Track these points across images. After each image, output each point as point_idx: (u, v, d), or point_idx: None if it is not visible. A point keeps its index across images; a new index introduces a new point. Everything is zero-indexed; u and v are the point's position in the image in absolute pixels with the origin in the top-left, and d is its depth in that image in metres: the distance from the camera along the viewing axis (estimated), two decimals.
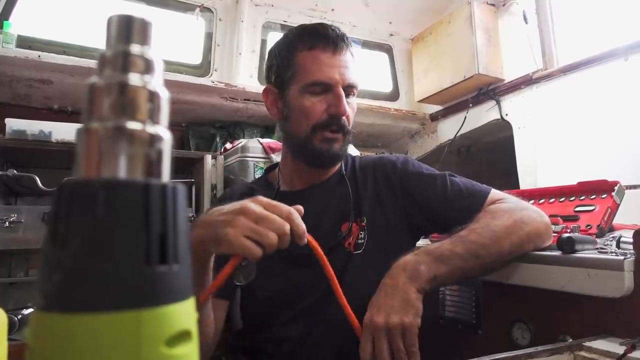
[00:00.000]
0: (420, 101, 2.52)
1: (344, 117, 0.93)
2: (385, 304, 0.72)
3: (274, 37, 2.41)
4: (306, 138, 0.93)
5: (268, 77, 1.02)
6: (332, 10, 2.48)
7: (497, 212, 0.84)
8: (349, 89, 0.94)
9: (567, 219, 1.09)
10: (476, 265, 0.79)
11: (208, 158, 1.82)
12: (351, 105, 0.96)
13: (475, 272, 0.81)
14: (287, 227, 0.63)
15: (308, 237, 0.66)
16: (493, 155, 2.65)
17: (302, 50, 0.93)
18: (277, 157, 1.74)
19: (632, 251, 0.74)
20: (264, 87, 1.02)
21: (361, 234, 0.93)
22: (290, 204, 0.98)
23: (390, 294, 0.73)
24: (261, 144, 1.80)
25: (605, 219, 1.03)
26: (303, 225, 0.65)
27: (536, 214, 0.86)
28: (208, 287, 0.67)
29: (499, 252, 0.80)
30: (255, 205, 0.64)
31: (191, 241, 0.69)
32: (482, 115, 2.32)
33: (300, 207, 0.67)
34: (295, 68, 0.93)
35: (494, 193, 0.92)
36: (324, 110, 0.92)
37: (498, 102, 2.24)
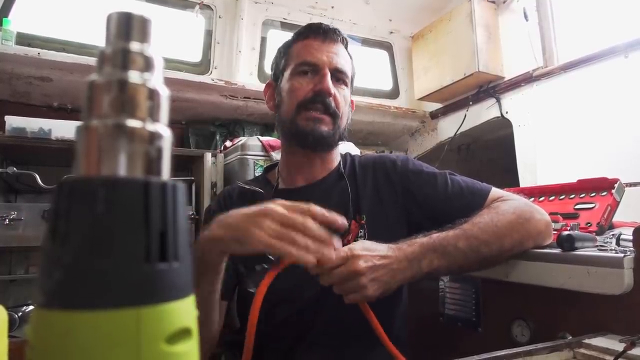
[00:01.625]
0: (420, 99, 2.52)
1: (330, 99, 0.94)
2: (379, 264, 0.72)
3: (274, 34, 2.41)
4: (292, 119, 0.96)
5: (271, 76, 1.08)
6: (332, 7, 2.47)
7: (500, 209, 0.85)
8: (339, 76, 0.98)
9: (567, 216, 1.09)
10: (476, 260, 0.79)
11: (208, 156, 1.82)
12: (342, 94, 0.98)
13: (473, 266, 0.82)
14: (317, 226, 0.64)
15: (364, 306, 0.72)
16: (493, 153, 2.65)
17: (296, 42, 1.00)
18: (277, 155, 1.73)
19: (631, 249, 0.74)
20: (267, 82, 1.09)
21: (360, 232, 0.93)
22: (290, 201, 0.99)
23: (385, 264, 0.73)
24: (261, 142, 1.80)
25: (605, 216, 1.03)
26: (335, 216, 0.66)
27: (537, 212, 0.87)
28: (259, 288, 0.67)
29: (499, 248, 0.80)
30: (279, 207, 0.65)
31: (206, 240, 0.69)
32: (482, 113, 2.32)
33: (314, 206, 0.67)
34: (288, 56, 1.00)
35: (495, 191, 0.92)
36: (309, 90, 0.95)
37: (498, 100, 2.23)
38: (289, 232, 0.62)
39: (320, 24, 1.00)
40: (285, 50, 1.02)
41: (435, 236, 0.79)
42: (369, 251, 0.73)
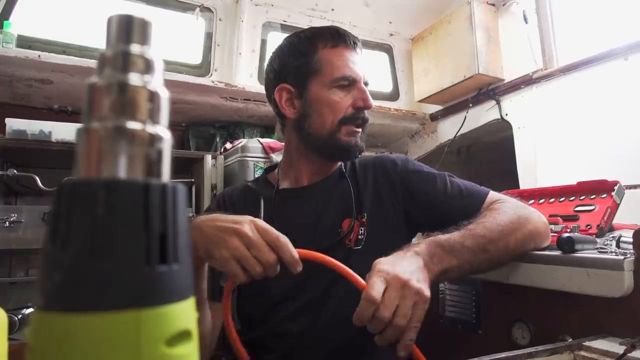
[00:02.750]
0: (420, 101, 2.52)
1: (366, 112, 0.98)
2: (409, 269, 0.68)
3: (274, 37, 2.41)
4: (331, 133, 0.95)
5: (280, 77, 1.00)
6: (332, 10, 2.48)
7: (501, 210, 0.86)
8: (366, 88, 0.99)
9: (567, 218, 1.09)
10: (484, 259, 0.79)
11: (208, 158, 1.82)
12: None
13: (482, 266, 0.81)
14: (273, 258, 0.64)
15: (302, 253, 0.67)
16: (493, 155, 2.65)
17: (325, 48, 0.96)
18: (277, 157, 1.74)
19: (631, 251, 0.74)
20: (277, 87, 0.99)
21: (361, 230, 0.94)
22: (291, 201, 1.00)
23: (412, 264, 0.70)
24: (261, 143, 1.80)
25: (605, 218, 1.03)
26: (294, 253, 0.65)
27: (535, 214, 0.88)
28: (223, 311, 0.70)
29: (505, 247, 0.80)
30: (249, 228, 0.65)
31: None
32: (482, 115, 2.32)
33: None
34: (319, 65, 0.95)
35: (492, 194, 0.94)
36: (349, 105, 0.95)
37: (498, 102, 2.24)
38: (250, 257, 0.63)
39: (346, 31, 0.99)
40: (309, 55, 0.96)
41: (440, 236, 0.78)
42: (391, 263, 0.70)
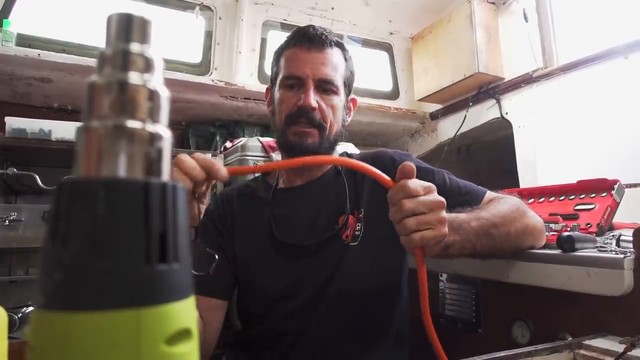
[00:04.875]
0: (420, 100, 2.52)
1: (316, 112, 0.94)
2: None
3: (274, 35, 2.41)
4: (282, 131, 0.97)
5: (270, 80, 1.08)
6: (332, 8, 2.48)
7: (501, 202, 0.87)
8: (325, 86, 0.96)
9: (567, 217, 1.09)
10: (486, 243, 0.79)
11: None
12: (330, 104, 0.96)
13: (483, 250, 0.80)
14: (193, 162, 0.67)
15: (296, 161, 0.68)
16: (493, 153, 2.65)
17: (286, 49, 0.99)
18: (277, 156, 1.74)
19: (631, 250, 0.75)
20: (266, 86, 1.08)
21: (358, 226, 0.94)
22: (288, 200, 1.00)
23: None
24: (261, 142, 1.80)
25: (605, 217, 1.03)
26: (218, 165, 0.69)
27: (532, 212, 0.89)
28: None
29: (507, 234, 0.81)
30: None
31: None
32: (482, 113, 2.32)
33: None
34: (279, 65, 1.00)
35: (490, 193, 0.95)
36: (294, 104, 0.95)
37: (498, 101, 2.23)
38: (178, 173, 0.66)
39: (308, 29, 0.97)
40: (277, 57, 1.02)
41: (448, 214, 0.77)
42: None
